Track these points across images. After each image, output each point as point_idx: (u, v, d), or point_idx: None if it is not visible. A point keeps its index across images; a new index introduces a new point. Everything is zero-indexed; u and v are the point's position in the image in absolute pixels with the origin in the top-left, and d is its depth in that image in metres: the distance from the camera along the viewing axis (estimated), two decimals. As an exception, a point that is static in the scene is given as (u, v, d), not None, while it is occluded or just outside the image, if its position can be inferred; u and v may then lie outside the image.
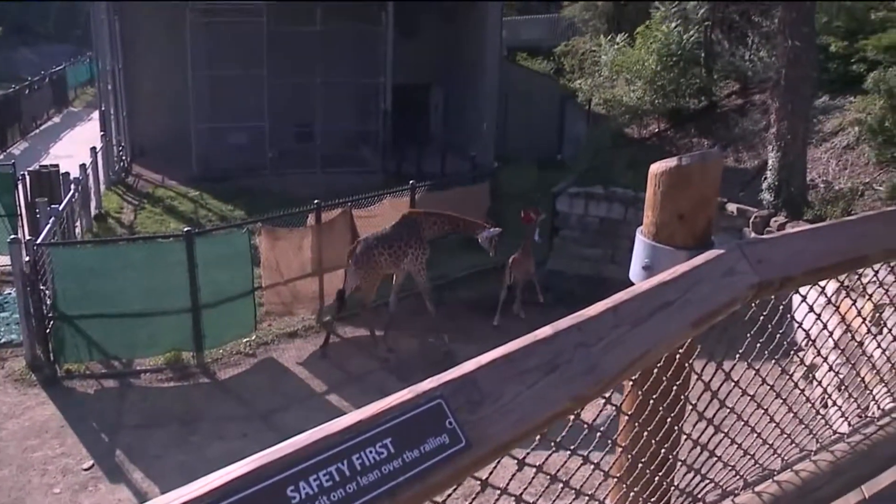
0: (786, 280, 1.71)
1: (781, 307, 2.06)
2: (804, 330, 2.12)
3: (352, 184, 16.78)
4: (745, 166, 15.84)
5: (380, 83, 20.73)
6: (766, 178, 13.49)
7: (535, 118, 23.97)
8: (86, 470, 8.68)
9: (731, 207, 13.25)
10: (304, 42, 19.80)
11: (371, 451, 1.06)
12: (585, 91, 21.49)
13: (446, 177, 17.87)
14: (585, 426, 1.41)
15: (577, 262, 14.83)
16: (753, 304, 1.78)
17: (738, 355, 1.90)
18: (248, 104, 19.83)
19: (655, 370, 1.60)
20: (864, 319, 2.51)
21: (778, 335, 2.10)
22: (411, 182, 14.09)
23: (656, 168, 1.72)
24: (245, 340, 11.86)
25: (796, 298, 2.13)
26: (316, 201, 12.43)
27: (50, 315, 10.60)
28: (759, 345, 2.01)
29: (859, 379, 2.62)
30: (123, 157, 21.02)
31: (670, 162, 1.70)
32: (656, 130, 19.32)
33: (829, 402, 2.60)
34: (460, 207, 13.27)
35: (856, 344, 2.59)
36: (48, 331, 10.62)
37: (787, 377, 2.25)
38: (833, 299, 2.23)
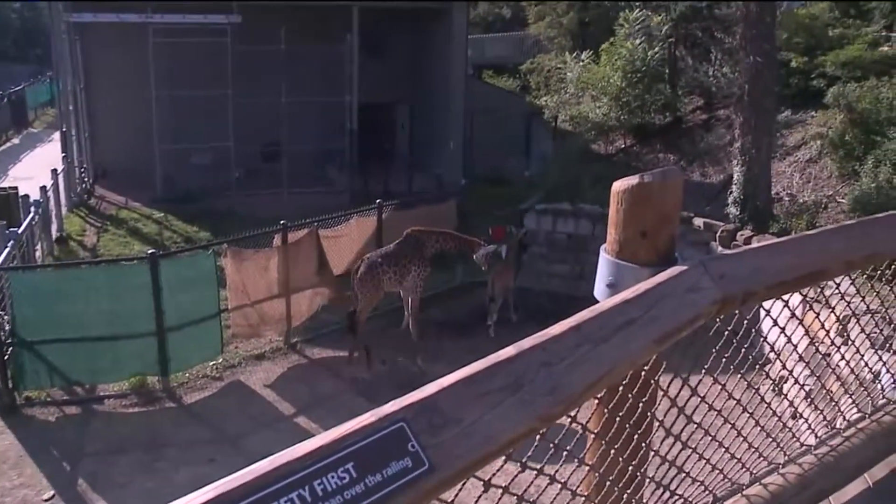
0: (748, 295, 1.73)
1: (746, 321, 2.08)
2: (769, 343, 2.15)
3: (318, 203, 16.73)
4: (711, 181, 16.05)
5: (346, 102, 20.75)
6: (731, 192, 13.67)
7: (502, 135, 24.13)
8: (46, 501, 8.50)
9: (698, 222, 13.40)
10: (269, 61, 19.80)
11: (333, 477, 1.04)
12: (552, 108, 21.65)
13: (413, 195, 17.90)
14: (552, 445, 1.41)
15: (546, 278, 14.91)
16: (718, 319, 1.80)
17: (703, 370, 1.91)
18: (212, 124, 19.74)
19: (621, 388, 1.61)
20: (828, 332, 2.55)
21: (743, 349, 2.12)
22: (378, 201, 14.11)
23: (618, 186, 1.74)
24: (211, 364, 11.74)
25: (762, 312, 2.16)
26: (282, 222, 12.38)
27: (9, 341, 10.40)
28: (724, 359, 2.03)
29: (825, 391, 2.65)
30: (86, 179, 20.78)
31: (632, 180, 1.72)
32: (622, 146, 19.51)
33: (797, 415, 2.63)
34: (428, 225, 13.29)
35: (821, 356, 2.62)
36: (6, 357, 10.42)
37: (754, 391, 2.27)
38: (797, 312, 2.25)
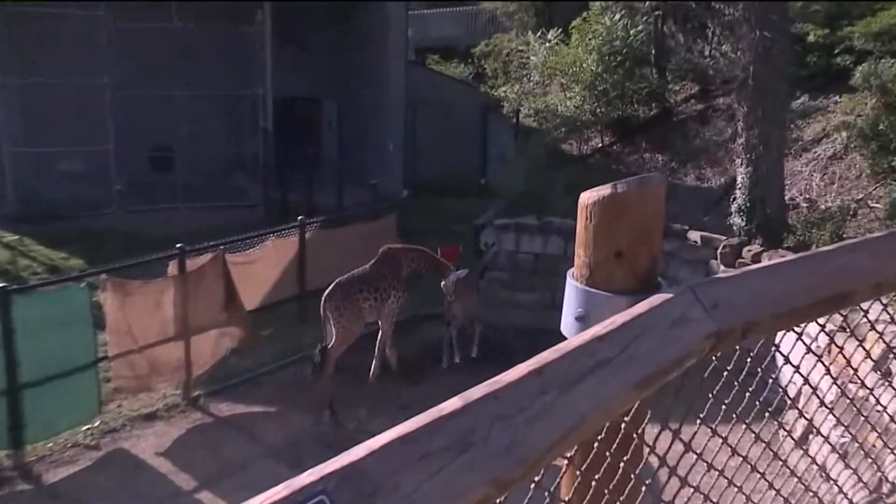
0: (750, 326, 1.76)
1: (750, 358, 2.10)
2: (780, 387, 2.18)
3: (225, 221, 16.63)
4: (709, 185, 16.32)
5: (258, 96, 20.71)
6: (735, 199, 13.85)
7: (452, 135, 24.27)
8: None
9: (694, 236, 13.62)
10: (159, 43, 19.63)
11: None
12: (512, 100, 21.89)
13: (344, 210, 17.89)
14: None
15: (510, 310, 15.00)
16: (714, 358, 1.82)
17: (699, 420, 1.94)
18: (85, 122, 19.43)
19: (596, 444, 1.62)
20: (856, 370, 2.55)
21: (749, 392, 2.13)
22: (301, 218, 14.09)
23: (586, 198, 1.78)
24: (85, 429, 11.52)
25: (770, 347, 2.18)
26: (178, 245, 12.27)
27: None
28: (724, 406, 2.06)
29: (862, 444, 2.62)
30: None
31: (602, 190, 1.75)
32: (600, 145, 19.77)
33: (825, 475, 2.62)
34: (362, 247, 13.29)
35: (854, 401, 2.57)
36: None
37: (765, 445, 2.25)
38: (817, 346, 2.24)
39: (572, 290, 1.81)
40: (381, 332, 12.69)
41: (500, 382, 1.30)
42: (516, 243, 15.13)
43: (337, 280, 12.21)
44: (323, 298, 12.08)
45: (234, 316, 12.85)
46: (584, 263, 1.79)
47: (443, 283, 12.78)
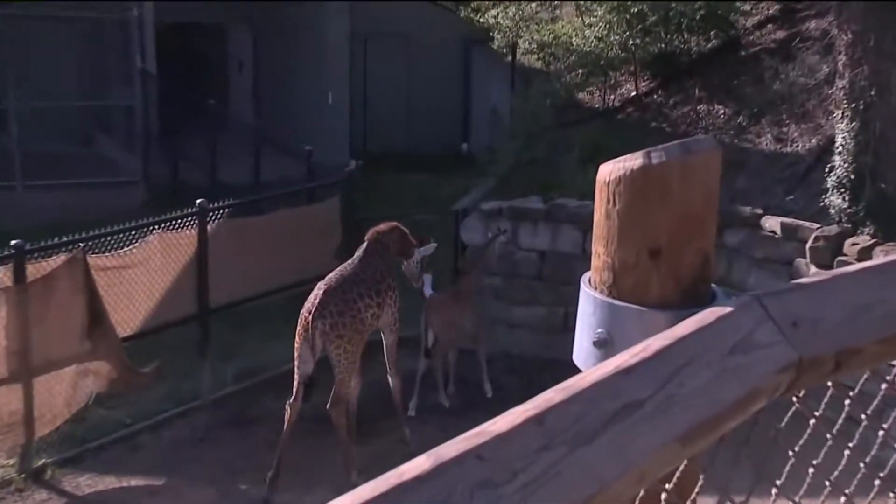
0: (847, 354, 1.77)
1: (849, 400, 2.10)
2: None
3: (87, 207, 16.58)
4: (794, 149, 16.38)
5: (131, 19, 20.60)
6: (833, 169, 13.85)
7: (420, 81, 24.28)
8: None
9: (772, 224, 13.65)
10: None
11: None
12: (507, 29, 21.88)
13: (264, 190, 17.85)
14: None
15: (503, 331, 15.02)
16: (795, 399, 1.84)
17: (774, 490, 1.96)
18: None
19: (625, 522, 1.64)
20: None
21: (847, 450, 2.14)
22: (199, 202, 14.00)
23: (609, 172, 1.78)
24: None
25: (880, 384, 2.20)
26: (14, 242, 12.22)
27: None
28: (811, 470, 2.07)
29: None
30: None
31: (631, 160, 1.75)
32: (633, 94, 19.80)
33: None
34: (290, 244, 13.29)
35: None
36: None
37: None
38: None
39: (589, 304, 1.82)
40: (386, 346, 12.95)
41: (484, 435, 1.30)
42: (514, 236, 15.13)
43: (321, 286, 12.33)
44: (308, 315, 12.15)
45: (100, 346, 12.79)
46: (606, 265, 1.79)
47: (404, 265, 13.09)
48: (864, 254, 12.61)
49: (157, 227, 13.72)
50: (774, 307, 1.69)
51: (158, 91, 20.90)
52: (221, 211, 14.39)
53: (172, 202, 15.39)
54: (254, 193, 17.25)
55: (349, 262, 12.70)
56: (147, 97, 20.78)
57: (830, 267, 12.80)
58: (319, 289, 12.31)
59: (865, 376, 1.98)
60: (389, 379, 12.98)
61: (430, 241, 13.50)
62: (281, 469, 11.99)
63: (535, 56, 21.33)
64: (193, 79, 22.64)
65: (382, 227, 13.09)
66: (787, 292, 1.77)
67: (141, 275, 13.50)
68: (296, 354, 12.23)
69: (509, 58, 22.99)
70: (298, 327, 12.20)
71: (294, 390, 12.14)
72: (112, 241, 13.26)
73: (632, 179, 1.76)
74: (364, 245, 12.77)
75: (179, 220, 13.89)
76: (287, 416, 12.12)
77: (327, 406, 12.14)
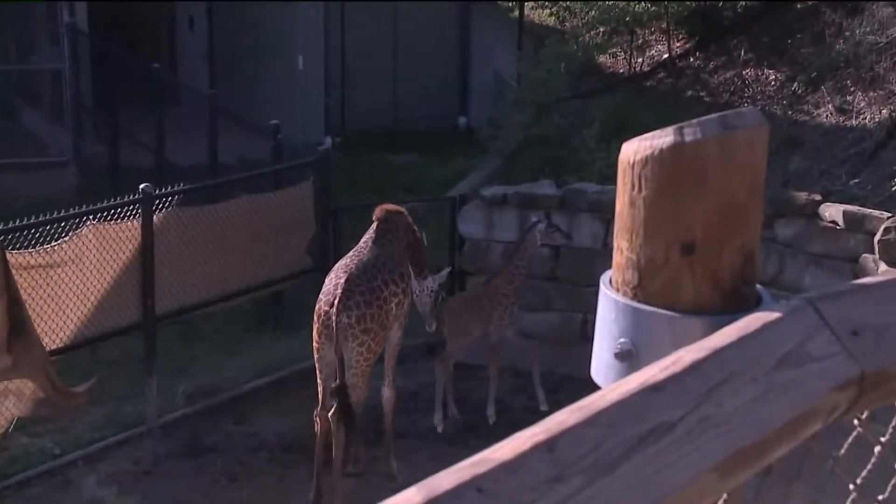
0: None
1: None
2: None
3: (6, 192, 16.58)
4: (861, 122, 16.36)
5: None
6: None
7: (409, 44, 24.27)
8: None
9: (833, 212, 13.67)
10: None
11: None
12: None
13: (221, 173, 17.85)
14: None
15: (510, 341, 15.03)
16: (857, 421, 1.85)
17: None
18: None
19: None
20: None
21: None
22: (143, 187, 13.97)
23: (633, 151, 1.79)
24: None
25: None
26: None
27: None
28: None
29: None
30: None
31: (660, 138, 1.75)
32: (665, 56, 19.79)
33: None
34: (255, 238, 13.31)
35: None
36: None
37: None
38: None
39: (611, 308, 1.83)
40: (390, 345, 13.05)
41: (485, 464, 1.30)
42: (521, 229, 15.12)
43: (341, 274, 12.45)
44: (329, 308, 12.25)
45: (22, 361, 12.78)
46: (630, 263, 1.80)
47: (415, 292, 13.09)
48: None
49: (92, 217, 13.64)
50: (831, 312, 1.70)
51: (91, 52, 20.86)
52: (170, 198, 14.31)
53: (111, 187, 15.38)
54: (209, 177, 17.24)
55: (361, 245, 12.82)
56: (78, 60, 20.72)
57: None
58: (339, 277, 12.38)
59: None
60: (383, 391, 13.01)
61: (441, 268, 13.61)
62: (323, 493, 12.15)
63: (548, 11, 21.32)
64: (134, 38, 22.58)
65: (392, 206, 13.27)
66: (846, 294, 1.78)
67: (73, 275, 13.44)
68: (316, 356, 12.36)
69: (516, 13, 22.99)
70: (316, 324, 12.30)
71: (320, 398, 12.27)
72: (37, 235, 13.21)
73: (661, 161, 1.76)
74: (374, 225, 12.89)
75: (119, 210, 13.80)
76: (318, 428, 12.28)
77: (329, 414, 12.14)
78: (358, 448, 12.82)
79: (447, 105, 23.99)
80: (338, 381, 12.06)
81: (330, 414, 12.10)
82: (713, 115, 1.78)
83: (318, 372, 12.30)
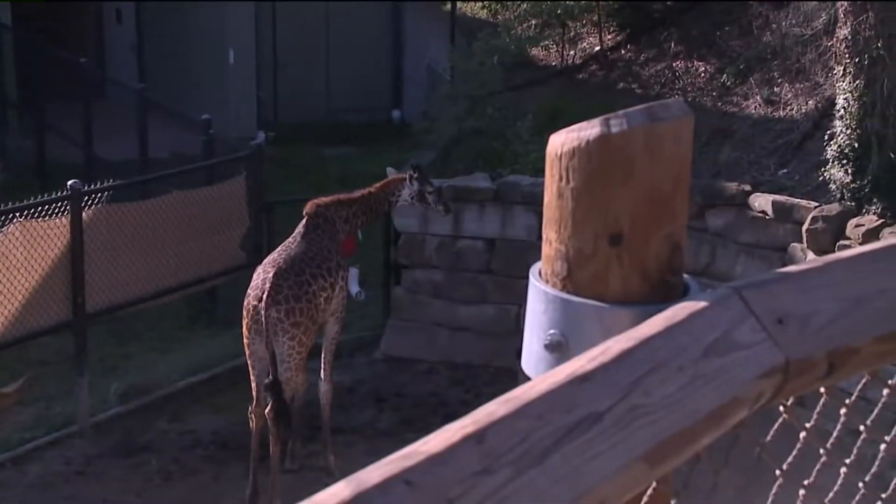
0: (841, 355, 1.80)
1: (845, 409, 2.12)
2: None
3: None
4: (788, 113, 16.47)
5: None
6: (834, 138, 13.91)
7: (341, 36, 24.21)
8: None
9: (762, 201, 13.73)
10: None
11: None
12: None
13: (152, 168, 17.76)
14: None
15: (445, 334, 15.02)
16: (783, 408, 1.87)
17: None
18: None
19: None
20: None
21: (844, 467, 2.16)
22: (71, 183, 13.88)
23: (561, 143, 1.79)
24: None
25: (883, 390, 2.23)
26: None
27: None
28: (802, 491, 2.10)
29: None
30: None
31: (587, 129, 1.76)
32: (597, 49, 19.82)
33: None
34: (186, 234, 13.26)
35: None
36: None
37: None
38: None
39: (540, 300, 1.83)
40: (326, 339, 13.16)
41: (414, 457, 1.31)
42: (455, 222, 15.11)
43: (269, 268, 12.45)
44: (258, 303, 12.26)
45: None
46: (559, 254, 1.81)
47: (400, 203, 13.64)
48: (870, 236, 12.66)
49: (18, 214, 13.57)
50: (757, 301, 1.71)
51: (15, 45, 20.70)
52: (100, 194, 14.23)
53: (38, 183, 15.29)
54: (140, 172, 17.16)
55: (289, 240, 12.85)
56: (1, 54, 20.57)
57: (831, 252, 12.81)
58: (267, 272, 12.40)
59: (864, 380, 1.99)
60: (319, 385, 13.04)
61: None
62: (259, 490, 12.16)
63: (480, 4, 21.32)
64: (60, 31, 22.42)
65: (322, 200, 13.27)
66: (771, 283, 1.79)
67: None
68: (247, 352, 12.39)
69: (448, 6, 22.98)
70: (246, 319, 12.32)
71: (254, 395, 12.27)
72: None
73: (588, 152, 1.77)
74: (304, 220, 12.91)
75: (47, 206, 13.72)
76: (252, 425, 12.27)
77: (266, 410, 12.14)
78: (294, 444, 12.86)
79: (381, 98, 23.99)
80: (271, 376, 12.06)
81: (266, 410, 12.12)
82: (639, 107, 1.79)
83: (250, 368, 12.30)
